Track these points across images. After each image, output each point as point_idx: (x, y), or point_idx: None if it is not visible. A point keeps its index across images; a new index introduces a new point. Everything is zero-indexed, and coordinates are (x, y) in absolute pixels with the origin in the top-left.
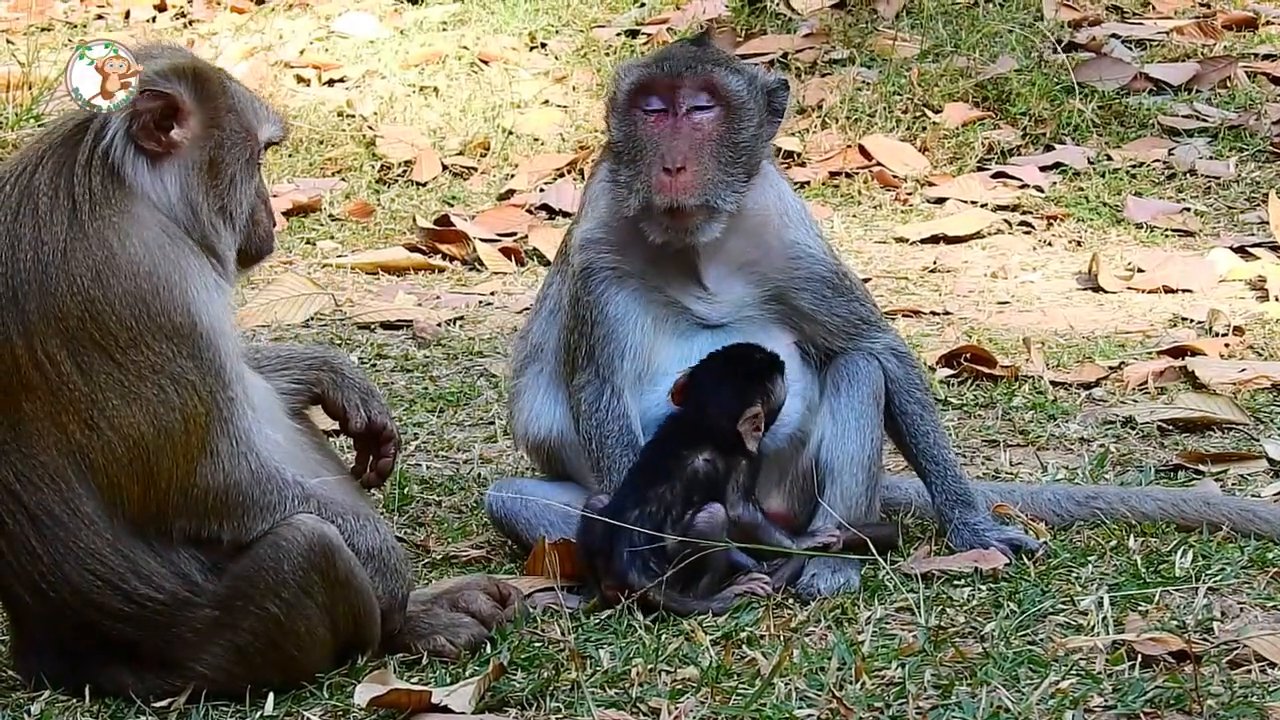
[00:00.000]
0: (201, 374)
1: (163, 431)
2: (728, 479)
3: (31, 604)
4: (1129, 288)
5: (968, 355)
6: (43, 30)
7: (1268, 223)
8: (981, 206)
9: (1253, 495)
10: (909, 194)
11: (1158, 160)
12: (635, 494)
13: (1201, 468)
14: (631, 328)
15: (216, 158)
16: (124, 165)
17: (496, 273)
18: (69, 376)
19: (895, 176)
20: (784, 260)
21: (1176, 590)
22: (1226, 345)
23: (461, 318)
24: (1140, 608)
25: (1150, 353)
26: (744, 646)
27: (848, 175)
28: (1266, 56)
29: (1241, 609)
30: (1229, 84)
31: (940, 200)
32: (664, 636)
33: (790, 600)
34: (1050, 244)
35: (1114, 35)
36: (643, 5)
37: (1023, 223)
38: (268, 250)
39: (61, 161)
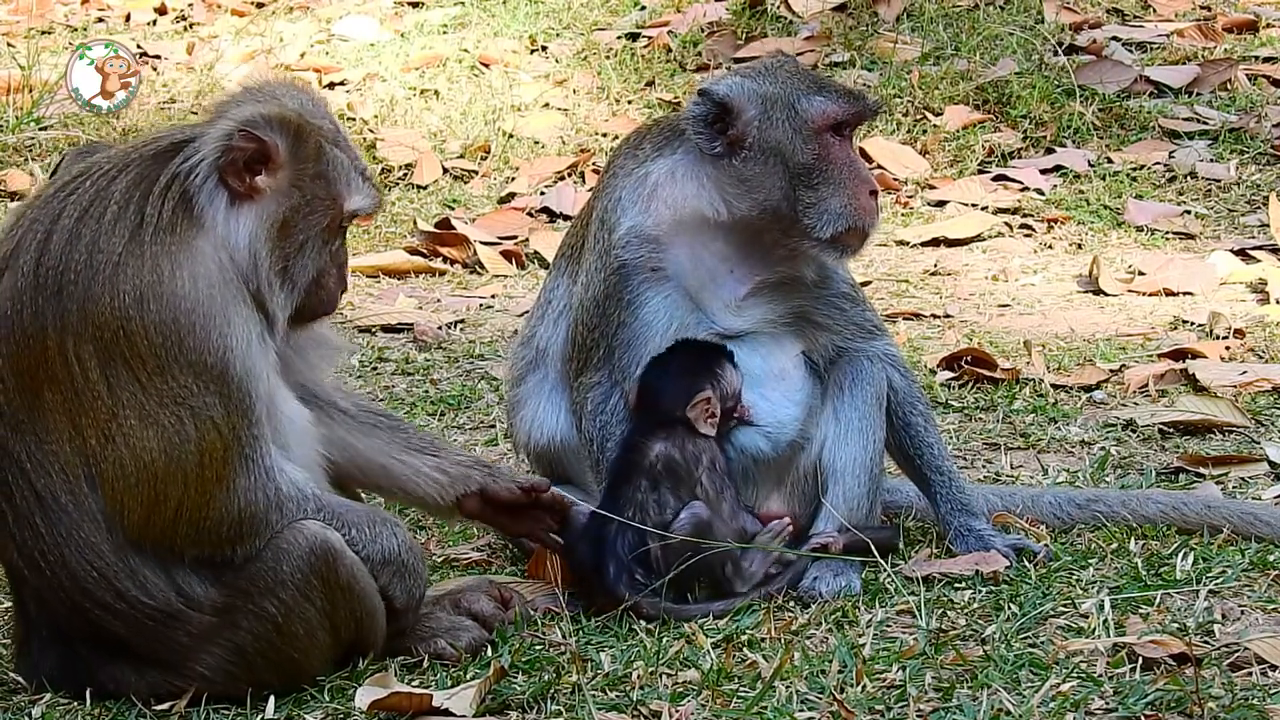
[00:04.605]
0: (227, 411)
1: (174, 461)
2: (695, 466)
3: (30, 579)
4: (1130, 290)
5: (968, 358)
6: (43, 34)
7: (1268, 225)
8: (982, 209)
9: (1253, 498)
10: (910, 197)
11: (1158, 163)
12: (609, 505)
13: (1202, 470)
14: (656, 334)
15: (291, 219)
16: (200, 194)
17: (497, 276)
18: (95, 384)
19: (896, 179)
20: (814, 280)
21: (1177, 593)
22: (1227, 348)
23: (462, 321)
24: (1141, 610)
25: (1151, 355)
26: (745, 649)
27: None
28: (1267, 59)
29: (1242, 612)
30: (1229, 86)
31: (941, 203)
32: (665, 639)
33: (791, 603)
34: (1051, 247)
35: (1114, 38)
36: (643, 8)
37: (1023, 225)
38: (325, 313)
39: (143, 175)
